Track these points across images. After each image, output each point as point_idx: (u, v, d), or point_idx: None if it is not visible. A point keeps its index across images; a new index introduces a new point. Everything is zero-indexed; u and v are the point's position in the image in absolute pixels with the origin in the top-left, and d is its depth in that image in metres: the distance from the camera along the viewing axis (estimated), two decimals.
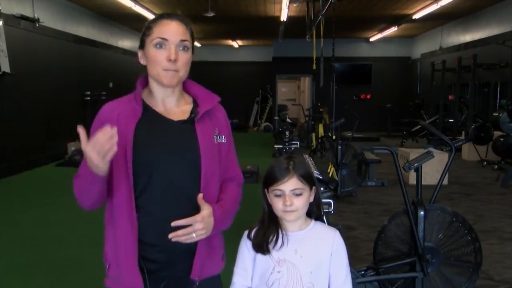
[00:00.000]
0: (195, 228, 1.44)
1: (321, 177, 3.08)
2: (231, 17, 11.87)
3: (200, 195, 1.47)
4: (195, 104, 1.60)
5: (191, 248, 1.49)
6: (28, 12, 8.39)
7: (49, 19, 9.17)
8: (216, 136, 1.58)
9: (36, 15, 8.60)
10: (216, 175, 1.56)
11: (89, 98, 10.48)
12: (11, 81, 7.71)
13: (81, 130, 1.31)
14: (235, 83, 18.10)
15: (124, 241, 1.48)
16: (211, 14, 10.12)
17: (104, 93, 10.98)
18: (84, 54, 10.80)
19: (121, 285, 1.51)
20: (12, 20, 7.83)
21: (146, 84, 1.60)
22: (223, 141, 1.60)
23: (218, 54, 18.43)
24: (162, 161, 1.48)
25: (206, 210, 1.46)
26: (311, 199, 1.57)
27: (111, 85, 12.00)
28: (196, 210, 1.47)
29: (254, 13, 11.50)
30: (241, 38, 16.95)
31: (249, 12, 11.29)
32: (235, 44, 17.96)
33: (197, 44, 16.99)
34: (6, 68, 7.52)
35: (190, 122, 1.55)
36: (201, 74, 16.66)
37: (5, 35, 7.47)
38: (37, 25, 8.60)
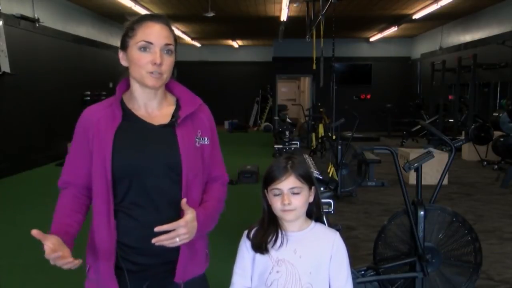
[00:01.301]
0: (179, 233, 1.41)
1: (321, 177, 3.08)
2: (231, 17, 11.87)
3: (184, 200, 1.43)
4: (178, 106, 1.58)
5: (172, 252, 1.48)
6: (28, 12, 8.39)
7: (49, 19, 9.16)
8: (198, 138, 1.55)
9: (36, 15, 8.60)
10: (198, 179, 1.54)
11: (89, 98, 10.47)
12: (11, 81, 7.71)
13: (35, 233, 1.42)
14: (235, 83, 18.09)
15: (103, 245, 1.48)
16: (211, 14, 10.11)
17: (104, 93, 10.96)
18: (84, 54, 10.80)
19: (100, 287, 1.52)
20: (12, 20, 7.83)
21: (127, 86, 1.58)
22: (206, 142, 1.57)
23: (218, 54, 18.41)
24: (142, 167, 1.47)
25: (189, 214, 1.43)
26: (311, 199, 1.56)
27: (111, 85, 11.98)
28: (178, 214, 1.45)
29: (254, 13, 11.49)
30: (241, 38, 16.93)
31: (249, 12, 11.28)
32: (235, 44, 17.94)
33: (197, 44, 17.00)
34: (6, 68, 7.52)
35: (170, 126, 1.52)
36: (201, 74, 16.61)
37: (5, 35, 7.47)
38: (37, 25, 8.60)
